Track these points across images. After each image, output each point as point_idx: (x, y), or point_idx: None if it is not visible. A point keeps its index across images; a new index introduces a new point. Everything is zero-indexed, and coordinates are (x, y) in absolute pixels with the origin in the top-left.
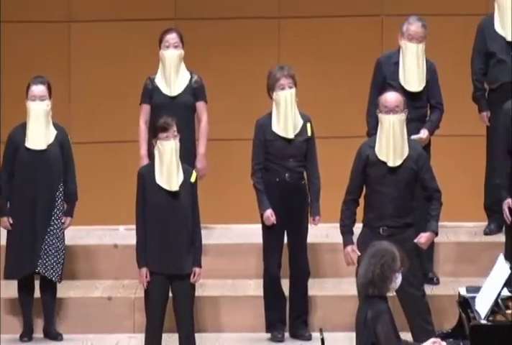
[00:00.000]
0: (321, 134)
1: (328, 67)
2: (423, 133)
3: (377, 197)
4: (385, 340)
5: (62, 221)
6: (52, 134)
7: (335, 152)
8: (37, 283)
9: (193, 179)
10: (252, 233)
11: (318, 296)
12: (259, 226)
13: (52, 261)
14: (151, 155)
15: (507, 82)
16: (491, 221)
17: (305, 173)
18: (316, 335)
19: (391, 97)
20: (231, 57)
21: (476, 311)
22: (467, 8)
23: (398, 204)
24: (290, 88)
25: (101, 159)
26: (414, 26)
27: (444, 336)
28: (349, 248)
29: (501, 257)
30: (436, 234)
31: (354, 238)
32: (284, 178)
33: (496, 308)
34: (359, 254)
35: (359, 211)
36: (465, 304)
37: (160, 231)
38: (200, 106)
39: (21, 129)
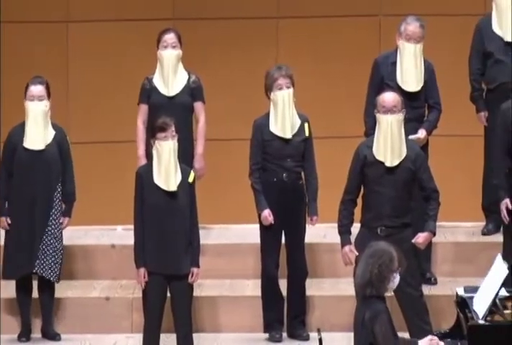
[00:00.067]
0: (318, 134)
1: (327, 67)
2: (421, 133)
3: (375, 197)
4: (383, 340)
5: (60, 221)
6: (50, 134)
7: (333, 152)
8: (35, 283)
9: (191, 179)
10: (250, 234)
11: (316, 296)
12: (257, 226)
13: (50, 261)
14: (149, 155)
15: (505, 82)
16: (489, 221)
17: (302, 173)
18: (313, 335)
19: (389, 97)
20: (230, 57)
21: (474, 311)
22: (465, 8)
23: (395, 204)
24: (288, 88)
25: (99, 160)
26: (412, 26)
27: (441, 336)
28: (346, 248)
29: (499, 257)
30: (434, 234)
31: (352, 239)
32: (282, 178)
33: (494, 308)
34: (357, 254)
35: (357, 211)
36: (463, 304)
37: (157, 231)
38: (198, 106)
39: (20, 129)
